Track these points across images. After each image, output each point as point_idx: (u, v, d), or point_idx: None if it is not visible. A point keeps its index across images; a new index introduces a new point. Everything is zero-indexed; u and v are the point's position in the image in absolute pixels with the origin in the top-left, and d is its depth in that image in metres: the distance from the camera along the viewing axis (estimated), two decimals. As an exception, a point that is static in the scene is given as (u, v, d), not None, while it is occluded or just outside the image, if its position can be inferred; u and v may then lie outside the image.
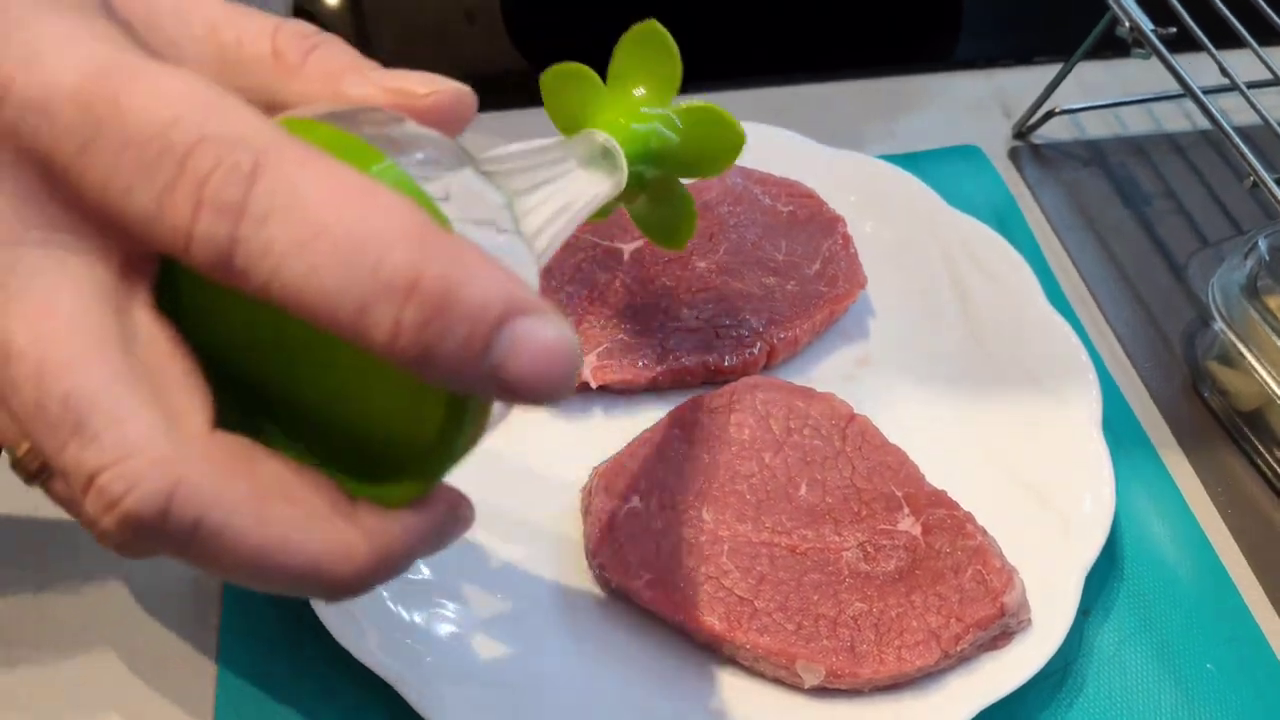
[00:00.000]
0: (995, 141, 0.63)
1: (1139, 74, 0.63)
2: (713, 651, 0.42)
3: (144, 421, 0.24)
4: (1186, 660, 0.44)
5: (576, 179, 0.35)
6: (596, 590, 0.43)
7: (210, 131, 0.23)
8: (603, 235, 0.52)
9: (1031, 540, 0.44)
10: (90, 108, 0.23)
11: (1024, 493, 0.46)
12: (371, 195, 0.23)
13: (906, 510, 0.44)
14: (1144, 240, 0.59)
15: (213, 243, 0.23)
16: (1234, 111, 0.55)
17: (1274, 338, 0.48)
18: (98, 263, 0.25)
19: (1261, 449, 0.50)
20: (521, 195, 0.31)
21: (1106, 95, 0.65)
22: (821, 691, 0.41)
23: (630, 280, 0.51)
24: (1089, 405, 0.48)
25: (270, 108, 0.28)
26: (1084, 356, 0.49)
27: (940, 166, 0.60)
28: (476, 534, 0.44)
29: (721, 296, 0.51)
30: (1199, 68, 0.54)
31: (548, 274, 0.50)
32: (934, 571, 0.42)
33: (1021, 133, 0.64)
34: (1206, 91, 0.53)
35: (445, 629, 0.41)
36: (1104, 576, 0.45)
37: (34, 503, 0.44)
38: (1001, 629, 0.41)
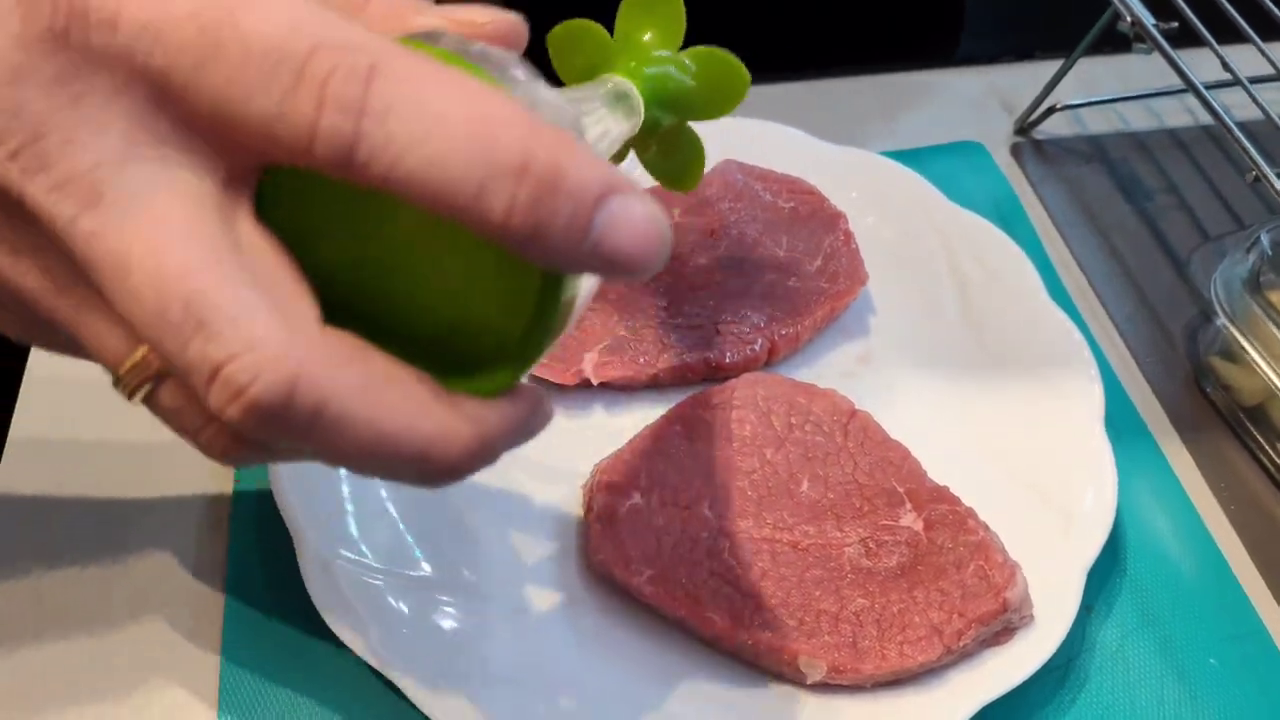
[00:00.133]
0: (997, 137, 0.63)
1: (1140, 69, 0.63)
2: (715, 647, 0.42)
3: (263, 318, 0.25)
4: (1189, 655, 0.44)
5: (603, 116, 0.37)
6: (598, 586, 0.43)
7: (325, 39, 0.25)
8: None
9: (1033, 536, 0.44)
10: (207, 29, 0.25)
11: (1026, 488, 0.46)
12: (478, 90, 0.25)
13: (908, 506, 0.44)
14: (1146, 235, 0.59)
15: (337, 138, 0.24)
16: (1236, 106, 0.55)
17: (1276, 332, 0.48)
18: (206, 176, 0.26)
19: (1264, 444, 0.50)
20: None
21: (1108, 91, 0.65)
22: (824, 687, 0.41)
23: (631, 277, 0.51)
24: (1091, 401, 0.48)
25: None
26: (1086, 352, 0.49)
27: (942, 163, 0.60)
28: (478, 530, 0.44)
29: (723, 293, 0.51)
30: (1200, 63, 0.54)
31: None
32: (936, 567, 0.42)
33: (1023, 129, 0.64)
34: (1208, 86, 0.53)
35: (446, 625, 0.41)
36: (1106, 572, 0.45)
37: (42, 486, 0.45)
38: (1004, 624, 0.41)
